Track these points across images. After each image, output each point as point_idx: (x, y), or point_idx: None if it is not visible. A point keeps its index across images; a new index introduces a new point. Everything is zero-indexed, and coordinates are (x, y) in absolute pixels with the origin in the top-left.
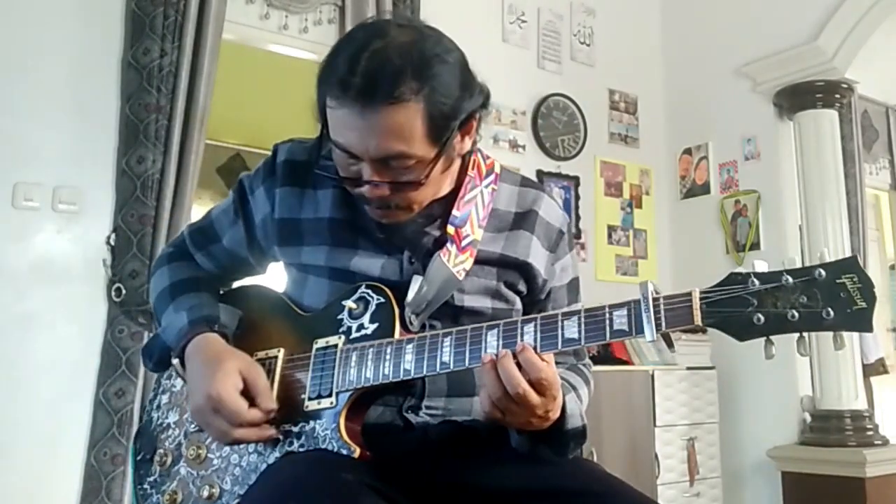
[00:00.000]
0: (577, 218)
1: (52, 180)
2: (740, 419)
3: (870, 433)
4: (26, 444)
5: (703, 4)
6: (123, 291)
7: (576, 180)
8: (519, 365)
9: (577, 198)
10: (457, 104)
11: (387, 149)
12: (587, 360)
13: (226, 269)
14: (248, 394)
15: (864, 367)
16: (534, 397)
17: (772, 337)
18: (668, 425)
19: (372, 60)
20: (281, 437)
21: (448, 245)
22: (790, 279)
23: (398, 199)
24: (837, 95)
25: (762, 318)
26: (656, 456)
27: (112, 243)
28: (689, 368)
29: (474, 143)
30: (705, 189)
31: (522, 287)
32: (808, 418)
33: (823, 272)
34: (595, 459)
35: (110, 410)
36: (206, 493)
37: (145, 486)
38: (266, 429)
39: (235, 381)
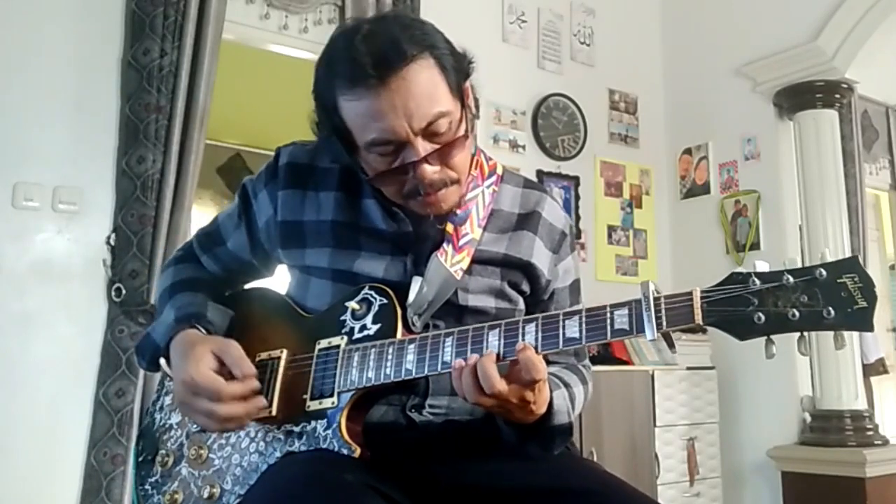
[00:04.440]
0: (577, 218)
1: (52, 180)
2: (740, 419)
3: (870, 433)
4: (26, 444)
5: (703, 4)
6: (123, 291)
7: (576, 180)
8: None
9: (577, 198)
10: (455, 57)
11: (426, 113)
12: (587, 361)
13: (231, 271)
14: (225, 371)
15: (864, 367)
16: (511, 392)
17: (772, 336)
18: (668, 425)
19: (368, 42)
20: (282, 436)
21: (444, 245)
22: (791, 278)
23: (449, 171)
24: (837, 95)
25: (763, 318)
26: (656, 456)
27: (112, 243)
28: (689, 368)
29: (473, 119)
30: (705, 189)
31: (525, 287)
32: (808, 418)
33: (824, 272)
34: (595, 459)
35: (110, 410)
36: (206, 494)
37: (146, 486)
38: (254, 400)
39: (208, 361)
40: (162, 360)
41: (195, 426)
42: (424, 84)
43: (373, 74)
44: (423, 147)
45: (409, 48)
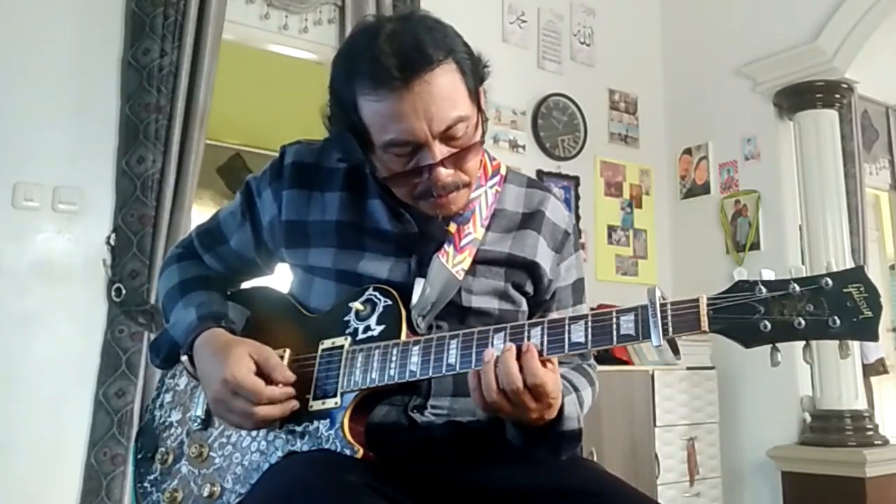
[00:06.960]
0: (578, 218)
1: (52, 180)
2: (740, 419)
3: (870, 433)
4: (26, 444)
5: (703, 4)
6: (123, 291)
7: (576, 180)
8: (520, 366)
9: (577, 198)
10: (472, 61)
11: (446, 117)
12: (592, 361)
13: (233, 270)
14: (262, 374)
15: (864, 367)
16: (529, 401)
17: (778, 344)
18: (668, 425)
19: (393, 43)
20: (284, 435)
21: (446, 246)
22: (797, 287)
23: (462, 174)
24: (837, 95)
25: (769, 326)
26: (656, 456)
27: (112, 243)
28: (689, 368)
29: (485, 123)
30: (705, 189)
31: (529, 288)
32: (808, 418)
33: (830, 281)
34: (595, 459)
35: (110, 410)
36: (206, 492)
37: (145, 484)
38: (289, 403)
39: (248, 363)
40: (184, 357)
41: (196, 425)
42: (446, 88)
43: (397, 77)
44: (440, 150)
45: (434, 52)
